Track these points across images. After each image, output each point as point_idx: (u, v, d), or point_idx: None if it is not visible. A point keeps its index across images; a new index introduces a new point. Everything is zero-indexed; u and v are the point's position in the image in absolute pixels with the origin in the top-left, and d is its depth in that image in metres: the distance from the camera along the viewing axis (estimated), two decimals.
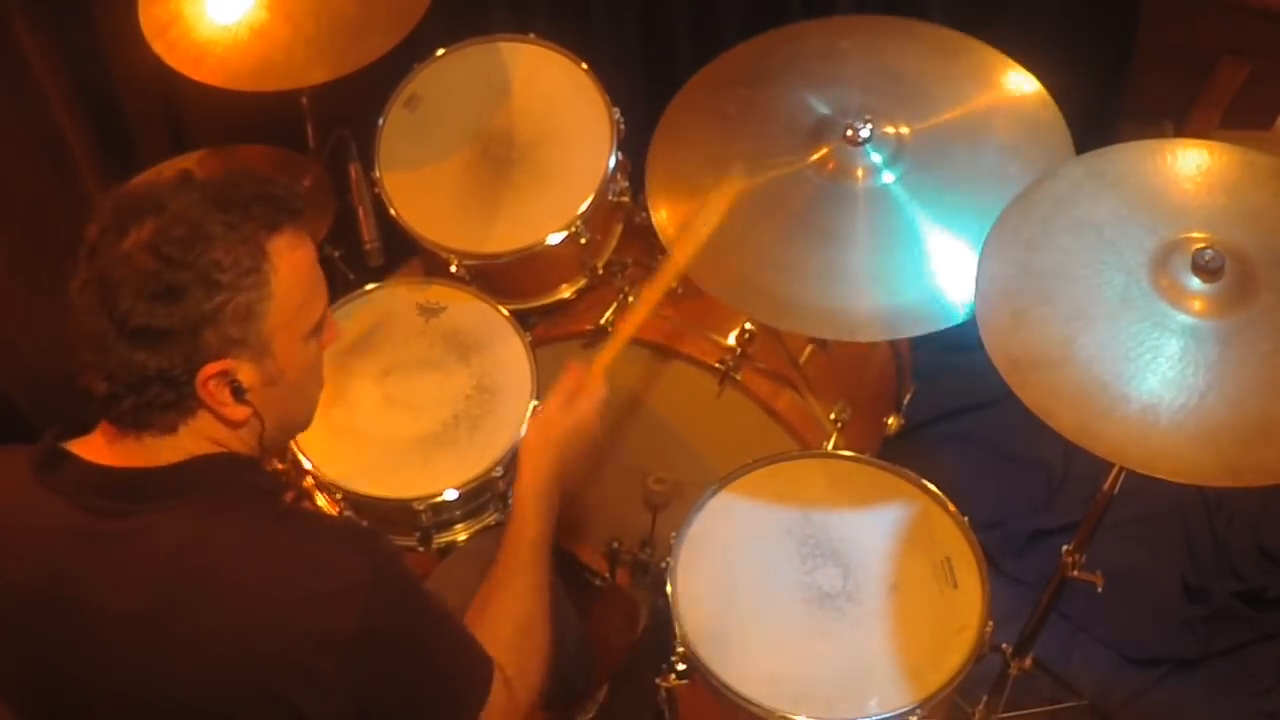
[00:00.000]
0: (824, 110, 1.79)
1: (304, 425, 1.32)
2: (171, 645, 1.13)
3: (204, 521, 1.15)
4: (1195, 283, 1.39)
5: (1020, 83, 1.76)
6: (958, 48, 1.82)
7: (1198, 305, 1.39)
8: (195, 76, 1.84)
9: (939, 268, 1.64)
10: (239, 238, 1.13)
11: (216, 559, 1.13)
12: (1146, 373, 1.36)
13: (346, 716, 1.14)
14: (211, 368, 1.14)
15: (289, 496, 1.38)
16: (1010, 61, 1.78)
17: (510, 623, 1.36)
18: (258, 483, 1.24)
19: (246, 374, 1.17)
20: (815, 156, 1.74)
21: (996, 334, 1.44)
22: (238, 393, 1.16)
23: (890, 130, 1.74)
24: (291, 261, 1.17)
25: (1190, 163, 1.51)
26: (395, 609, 1.17)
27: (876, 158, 1.72)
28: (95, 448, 1.18)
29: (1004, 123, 1.74)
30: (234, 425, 1.19)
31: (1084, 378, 1.37)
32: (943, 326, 1.61)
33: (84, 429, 1.21)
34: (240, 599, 1.12)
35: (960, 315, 1.60)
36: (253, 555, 1.14)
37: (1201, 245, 1.40)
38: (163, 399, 1.14)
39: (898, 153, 1.73)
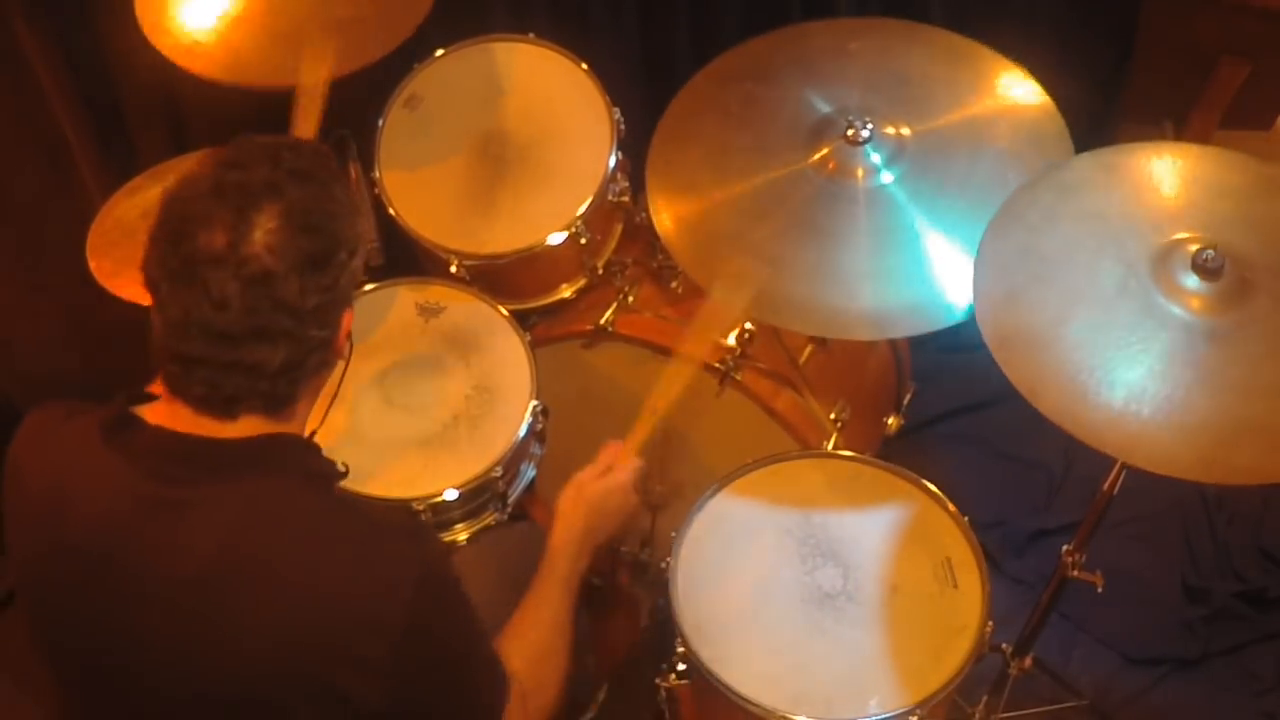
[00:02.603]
0: (826, 109, 1.79)
1: None
2: (222, 616, 1.13)
3: (266, 499, 1.16)
4: (1193, 281, 1.41)
5: (1026, 92, 1.77)
6: (966, 53, 1.83)
7: (1194, 303, 1.40)
8: (193, 69, 1.83)
9: (934, 269, 1.64)
10: (342, 191, 1.19)
11: (275, 537, 1.15)
12: (1134, 363, 1.37)
13: (389, 706, 1.15)
14: (348, 320, 1.21)
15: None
16: (1018, 69, 1.79)
17: (532, 646, 1.42)
18: (319, 468, 1.26)
19: (349, 318, 1.23)
20: (816, 156, 1.75)
21: (990, 309, 1.46)
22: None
23: (891, 131, 1.75)
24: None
25: (1197, 167, 1.53)
26: (441, 606, 1.19)
27: (876, 158, 1.73)
28: (165, 414, 1.19)
29: (1007, 130, 1.75)
30: (328, 378, 1.25)
31: (1071, 360, 1.39)
32: (937, 327, 1.61)
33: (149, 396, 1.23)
34: (294, 579, 1.13)
35: (956, 316, 1.60)
36: (311, 538, 1.16)
37: (1203, 245, 1.41)
38: (318, 365, 1.20)
39: (897, 154, 1.74)
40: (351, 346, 1.28)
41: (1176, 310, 1.40)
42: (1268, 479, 1.32)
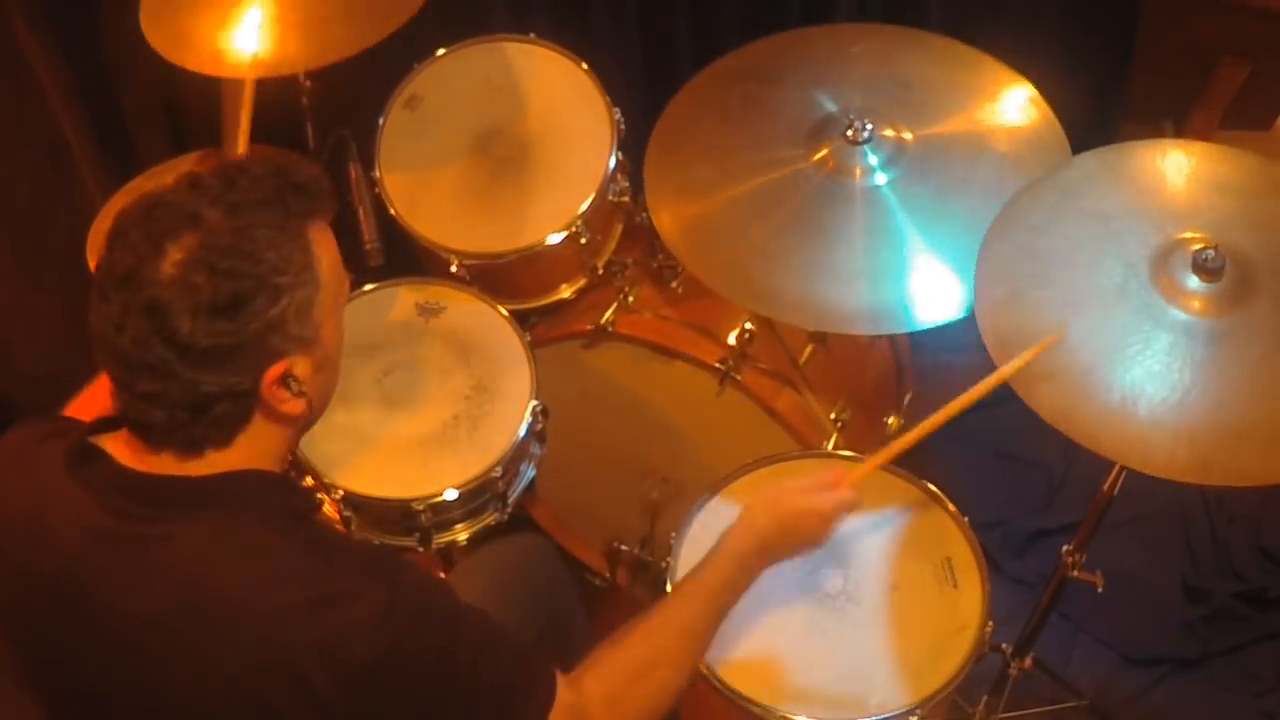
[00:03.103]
0: (827, 109, 1.80)
1: (327, 406, 1.29)
2: (183, 656, 1.12)
3: (226, 537, 1.13)
4: (1194, 281, 1.41)
5: (1026, 101, 1.79)
6: (968, 60, 1.84)
7: (1194, 304, 1.40)
8: (194, 68, 1.82)
9: (924, 270, 1.66)
10: (286, 235, 1.10)
11: (232, 576, 1.12)
12: (1133, 364, 1.37)
13: None
14: (275, 370, 1.12)
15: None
16: (1019, 77, 1.80)
17: (640, 646, 1.32)
18: (287, 502, 1.21)
19: (301, 367, 1.15)
20: (815, 155, 1.76)
21: (989, 310, 1.46)
22: (294, 388, 1.14)
23: (890, 133, 1.75)
24: (326, 245, 1.16)
25: (1202, 165, 1.52)
26: (412, 637, 1.13)
27: (874, 159, 1.74)
28: (127, 450, 1.17)
29: (1005, 138, 1.76)
30: (290, 421, 1.17)
31: (1069, 362, 1.38)
32: (929, 326, 1.62)
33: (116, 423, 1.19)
34: (251, 619, 1.10)
35: (951, 315, 1.61)
36: (268, 577, 1.12)
37: (1204, 245, 1.41)
38: (228, 414, 1.12)
39: (895, 156, 1.75)
40: (312, 407, 1.19)
41: (1176, 312, 1.40)
42: (1265, 481, 1.31)
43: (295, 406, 1.16)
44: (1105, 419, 1.34)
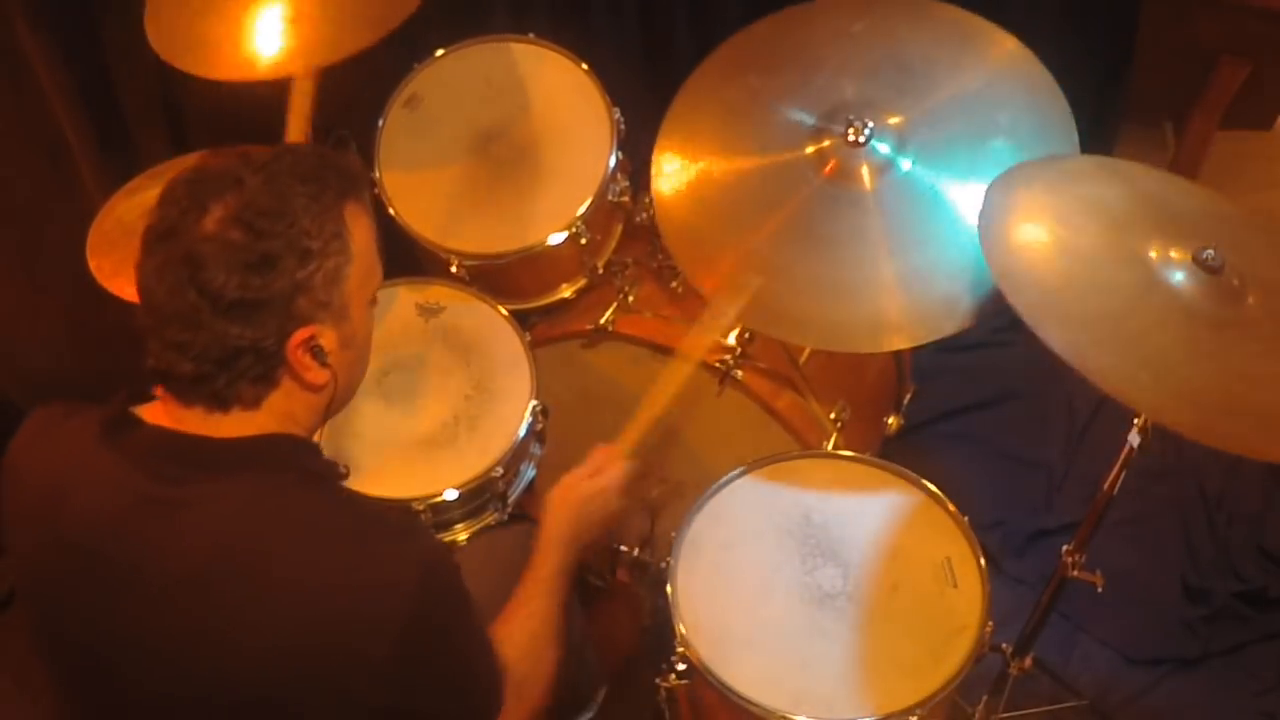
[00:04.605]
0: (829, 100, 1.77)
1: (354, 392, 1.34)
2: (219, 615, 1.13)
3: (265, 497, 1.16)
4: (1195, 276, 1.41)
5: (1030, 69, 1.74)
6: (971, 31, 1.79)
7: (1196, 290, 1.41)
8: (195, 72, 1.82)
9: (949, 265, 1.63)
10: (321, 206, 1.17)
11: (273, 535, 1.15)
12: (1138, 317, 1.37)
13: (391, 702, 1.15)
14: (301, 333, 1.17)
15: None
16: (1022, 47, 1.76)
17: (525, 634, 1.43)
18: (318, 467, 1.26)
19: (328, 338, 1.20)
20: (818, 158, 1.74)
21: (996, 244, 1.46)
22: (320, 356, 1.19)
23: (893, 122, 1.72)
24: (362, 227, 1.22)
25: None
26: (441, 603, 1.19)
27: (884, 148, 1.71)
28: (163, 413, 1.20)
29: (1010, 111, 1.72)
30: (314, 390, 1.22)
31: (1077, 299, 1.40)
32: (946, 334, 1.60)
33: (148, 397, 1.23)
34: (291, 577, 1.13)
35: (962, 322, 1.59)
36: (309, 536, 1.16)
37: (1204, 245, 1.41)
38: (254, 370, 1.17)
39: (903, 141, 1.71)
40: (337, 382, 1.24)
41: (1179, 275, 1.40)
42: (1260, 455, 1.33)
43: (320, 375, 1.21)
44: (1112, 358, 1.35)
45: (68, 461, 1.20)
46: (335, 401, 1.27)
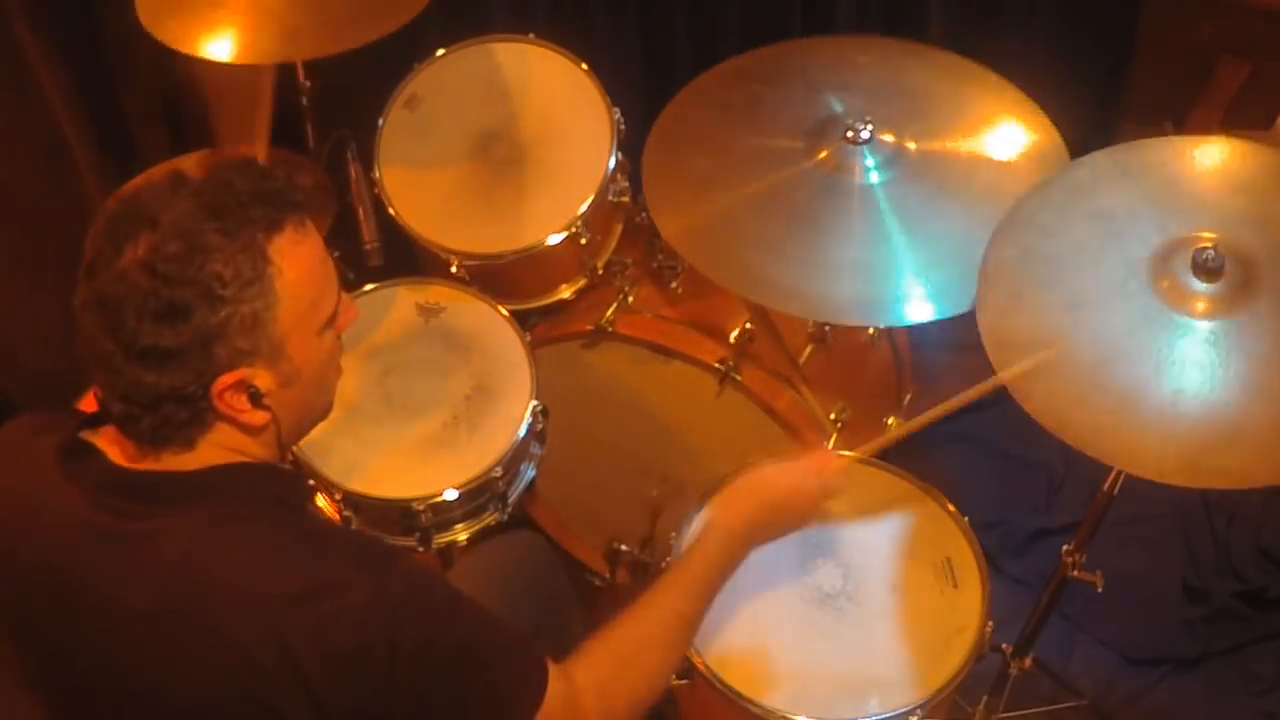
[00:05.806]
0: (830, 110, 1.79)
1: (325, 414, 1.30)
2: (177, 648, 1.12)
3: (215, 529, 1.14)
4: (1194, 282, 1.39)
5: (1031, 119, 1.76)
6: (975, 77, 1.83)
7: (1196, 305, 1.38)
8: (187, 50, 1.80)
9: (914, 267, 1.65)
10: (238, 246, 1.09)
11: (222, 567, 1.12)
12: (1132, 365, 1.36)
13: None
14: (226, 379, 1.12)
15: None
16: (1024, 97, 1.78)
17: (628, 634, 1.32)
18: (278, 493, 1.21)
19: (263, 379, 1.14)
20: (816, 154, 1.75)
21: (991, 314, 1.45)
22: (255, 399, 1.14)
23: (889, 138, 1.74)
24: (295, 259, 1.14)
25: (1211, 161, 1.51)
26: (402, 625, 1.12)
27: (870, 160, 1.73)
28: (115, 446, 1.18)
29: (1006, 152, 1.74)
30: (253, 431, 1.17)
31: (1066, 364, 1.37)
32: (924, 321, 1.61)
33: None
34: (242, 610, 1.11)
35: (945, 313, 1.60)
36: (258, 567, 1.13)
37: (1204, 245, 1.39)
38: (178, 416, 1.13)
39: (893, 160, 1.73)
40: (279, 422, 1.18)
41: (1175, 314, 1.38)
42: (1256, 483, 1.31)
43: (256, 418, 1.15)
44: (1100, 420, 1.33)
45: (28, 487, 1.18)
46: (285, 436, 1.22)
